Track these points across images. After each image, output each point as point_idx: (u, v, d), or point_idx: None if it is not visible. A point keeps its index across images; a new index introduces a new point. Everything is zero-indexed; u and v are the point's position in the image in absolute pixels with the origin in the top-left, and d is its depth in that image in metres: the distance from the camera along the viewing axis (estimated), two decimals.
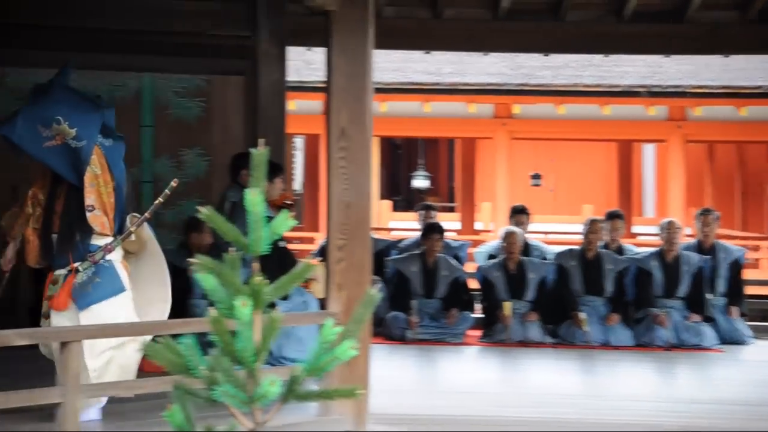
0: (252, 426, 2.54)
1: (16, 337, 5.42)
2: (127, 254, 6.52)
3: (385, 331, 9.77)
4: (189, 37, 10.05)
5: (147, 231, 6.54)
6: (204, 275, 2.60)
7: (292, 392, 2.58)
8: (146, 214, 6.39)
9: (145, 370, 7.37)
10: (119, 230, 6.39)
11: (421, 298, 9.96)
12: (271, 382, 2.53)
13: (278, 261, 7.23)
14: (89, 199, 6.25)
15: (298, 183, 19.46)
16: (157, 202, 6.37)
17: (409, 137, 23.04)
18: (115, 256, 6.35)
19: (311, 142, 18.39)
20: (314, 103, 14.79)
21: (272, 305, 2.68)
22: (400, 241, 11.40)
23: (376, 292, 2.73)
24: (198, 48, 10.25)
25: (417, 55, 14.65)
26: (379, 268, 9.64)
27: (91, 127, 6.32)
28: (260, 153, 2.65)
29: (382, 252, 10.39)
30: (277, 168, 7.87)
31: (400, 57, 14.50)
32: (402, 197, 24.84)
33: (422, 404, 7.15)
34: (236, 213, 7.59)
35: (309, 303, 7.71)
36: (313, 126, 15.11)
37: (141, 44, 10.16)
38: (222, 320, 2.57)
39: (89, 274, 6.22)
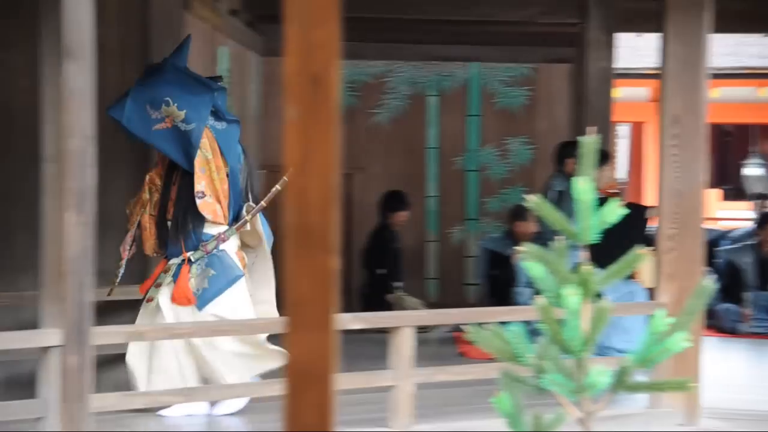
0: (581, 415, 2.52)
1: (353, 321, 5.64)
2: (246, 248, 6.16)
3: (716, 323, 9.47)
4: (517, 26, 10.11)
5: (260, 226, 6.11)
6: (531, 263, 2.60)
7: (621, 383, 2.54)
8: (262, 203, 6.01)
9: (470, 356, 7.50)
10: (235, 219, 6.04)
11: (755, 290, 9.61)
12: (600, 371, 2.50)
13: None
14: (200, 185, 5.89)
15: (622, 171, 19.16)
16: (274, 189, 5.93)
17: (741, 124, 22.15)
18: (230, 247, 6.02)
19: (636, 129, 18.06)
20: (640, 91, 14.51)
21: (599, 294, 2.65)
22: (731, 231, 11.02)
23: (709, 283, 2.64)
24: (526, 36, 10.29)
25: (753, 38, 14.05)
26: (708, 258, 9.36)
27: (201, 109, 5.95)
28: (590, 141, 2.62)
29: (712, 242, 10.08)
30: (605, 156, 7.79)
31: (735, 41, 13.95)
32: (732, 186, 23.94)
33: (758, 400, 6.86)
34: (561, 202, 7.57)
35: (635, 293, 7.59)
36: (639, 113, 14.83)
37: (469, 34, 10.32)
38: (550, 308, 2.56)
39: (202, 266, 5.93)
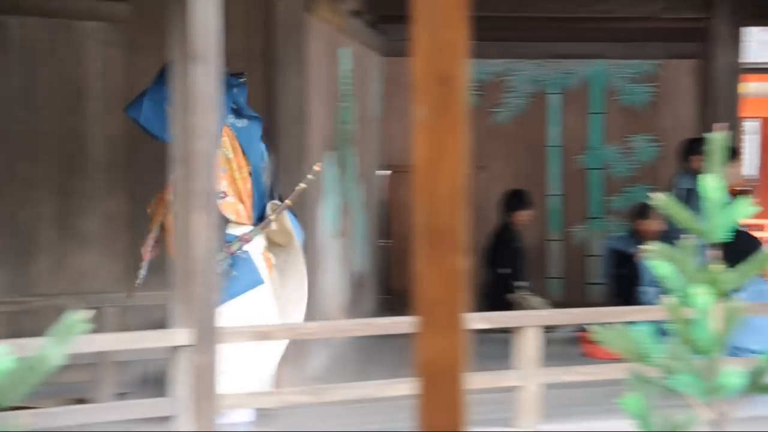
0: (713, 417, 2.47)
1: (479, 321, 5.64)
2: (276, 246, 5.96)
3: None
4: (640, 22, 9.99)
5: (287, 222, 5.91)
6: (658, 262, 2.57)
7: (755, 384, 2.49)
8: (287, 201, 5.82)
9: (593, 356, 7.44)
10: (260, 218, 5.84)
11: None
12: (733, 372, 2.45)
13: (739, 246, 7.02)
14: (220, 185, 5.66)
15: (751, 168, 18.75)
16: (299, 187, 5.79)
17: None
18: (254, 247, 5.81)
19: (766, 125, 17.66)
20: None
21: (730, 293, 2.60)
22: None
23: None
24: (650, 32, 10.15)
25: None
26: None
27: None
28: (719, 137, 2.57)
29: None
30: (734, 153, 7.64)
31: None
32: None
33: None
34: (689, 200, 7.44)
35: (765, 292, 7.42)
36: None
37: (591, 31, 10.23)
38: (679, 308, 2.53)
39: (225, 267, 5.70)
